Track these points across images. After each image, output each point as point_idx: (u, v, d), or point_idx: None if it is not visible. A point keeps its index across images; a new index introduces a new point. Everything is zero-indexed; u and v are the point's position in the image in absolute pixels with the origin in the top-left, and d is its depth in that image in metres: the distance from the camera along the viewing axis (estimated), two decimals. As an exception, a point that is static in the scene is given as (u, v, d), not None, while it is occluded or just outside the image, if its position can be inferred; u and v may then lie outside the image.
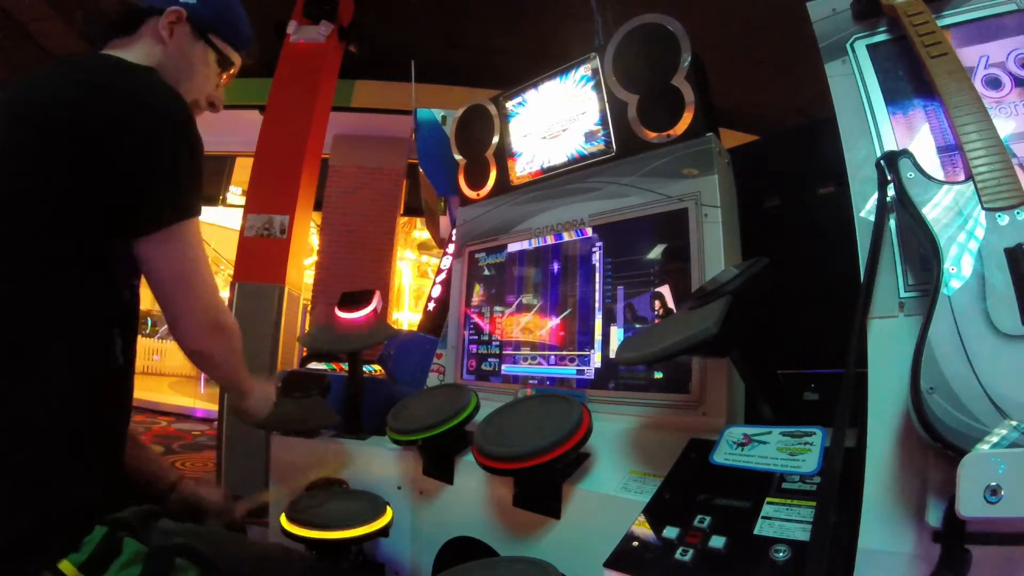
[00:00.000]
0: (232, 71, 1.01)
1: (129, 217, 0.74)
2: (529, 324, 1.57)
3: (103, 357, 0.77)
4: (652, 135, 1.38)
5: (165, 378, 8.13)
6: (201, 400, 6.43)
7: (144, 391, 6.88)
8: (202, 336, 0.83)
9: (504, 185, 1.74)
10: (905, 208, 0.73)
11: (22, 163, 0.71)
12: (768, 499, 0.79)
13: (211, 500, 1.01)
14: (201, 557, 0.75)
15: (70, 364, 0.72)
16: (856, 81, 0.88)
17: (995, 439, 0.55)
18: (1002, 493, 0.51)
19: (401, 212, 6.94)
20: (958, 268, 0.66)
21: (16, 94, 0.77)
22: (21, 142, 0.72)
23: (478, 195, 1.82)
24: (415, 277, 9.92)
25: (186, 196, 0.78)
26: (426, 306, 3.68)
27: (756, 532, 0.74)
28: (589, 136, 1.54)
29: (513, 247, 1.67)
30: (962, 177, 0.72)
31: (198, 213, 0.80)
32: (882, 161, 0.78)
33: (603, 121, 1.50)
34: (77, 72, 0.78)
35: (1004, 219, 0.66)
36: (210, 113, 1.00)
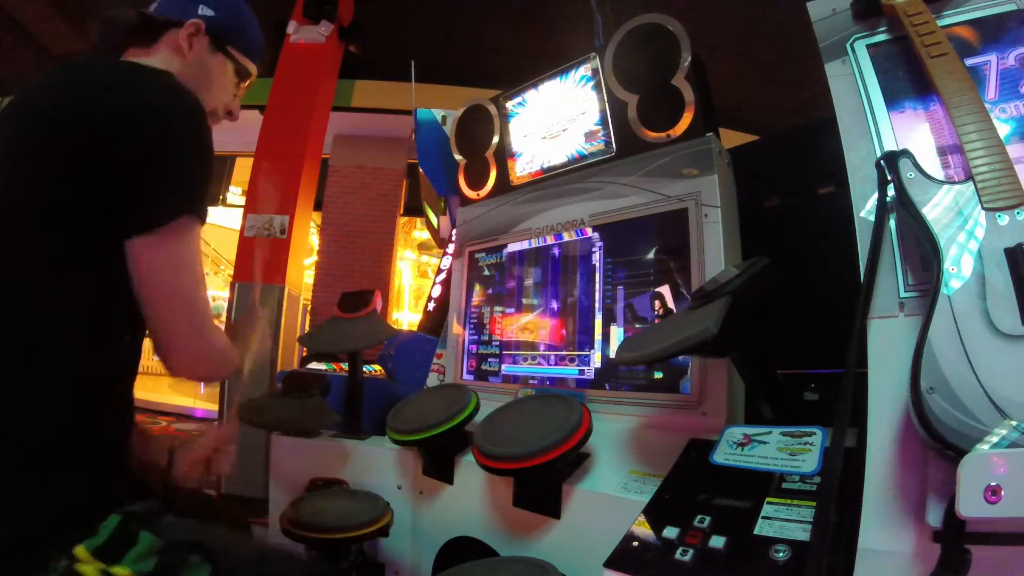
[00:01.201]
0: (249, 81, 1.02)
1: (134, 215, 0.72)
2: (529, 324, 1.57)
3: (115, 354, 0.77)
4: (652, 135, 1.38)
5: (165, 378, 8.12)
6: (201, 400, 6.42)
7: (144, 391, 6.86)
8: (192, 367, 0.80)
9: (504, 185, 1.74)
10: (905, 208, 0.73)
11: (34, 163, 0.71)
12: (768, 499, 0.79)
13: (210, 446, 0.99)
14: (214, 554, 0.75)
15: (82, 360, 0.73)
16: (856, 81, 0.88)
17: (995, 439, 0.55)
18: (1002, 493, 0.51)
19: (401, 212, 6.94)
20: (958, 268, 0.66)
21: (27, 95, 0.77)
22: (33, 142, 0.72)
23: (478, 195, 1.82)
24: (415, 277, 9.92)
25: (192, 196, 0.76)
26: (426, 306, 3.68)
27: (756, 532, 0.74)
28: (589, 136, 1.54)
29: (513, 247, 1.67)
30: (962, 177, 0.72)
31: (202, 217, 0.77)
32: (882, 161, 0.78)
33: (603, 121, 1.50)
34: (89, 72, 0.78)
35: (1004, 219, 0.66)
36: (228, 121, 1.01)
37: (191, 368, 0.80)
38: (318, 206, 5.54)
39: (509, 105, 1.74)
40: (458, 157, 1.88)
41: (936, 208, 0.70)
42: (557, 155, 1.61)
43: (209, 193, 0.79)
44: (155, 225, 0.72)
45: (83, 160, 0.70)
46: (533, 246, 1.62)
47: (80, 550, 0.66)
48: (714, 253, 1.19)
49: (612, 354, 1.35)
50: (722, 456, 0.90)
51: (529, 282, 1.61)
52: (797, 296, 1.09)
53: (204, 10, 0.92)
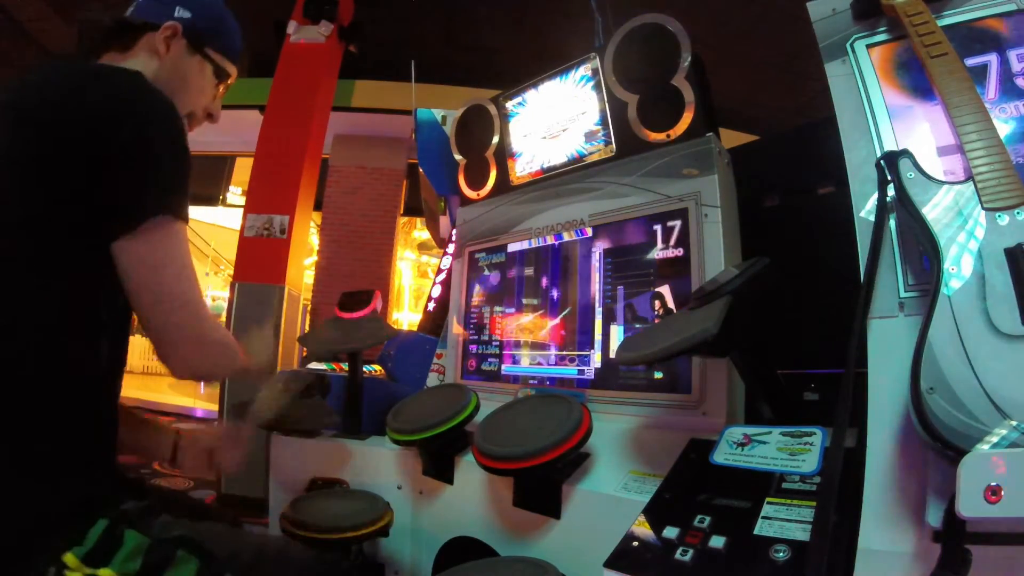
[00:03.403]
0: (228, 82, 1.02)
1: (111, 218, 0.72)
2: (529, 324, 1.57)
3: (96, 355, 0.77)
4: (652, 135, 1.38)
5: (165, 378, 8.13)
6: (201, 400, 6.42)
7: (144, 391, 6.88)
8: (191, 366, 0.78)
9: (504, 185, 1.74)
10: (905, 208, 0.73)
11: (11, 166, 0.71)
12: (768, 499, 0.79)
13: (212, 439, 0.99)
14: (202, 548, 0.75)
15: (62, 363, 0.72)
16: (856, 81, 0.88)
17: (995, 439, 0.55)
18: (1002, 493, 0.51)
19: (401, 212, 6.94)
20: (958, 268, 0.66)
21: (5, 97, 0.77)
22: (12, 145, 0.72)
23: (478, 195, 1.82)
24: (415, 277, 9.93)
25: (167, 196, 0.75)
26: (426, 306, 3.68)
27: (756, 532, 0.74)
28: (589, 136, 1.54)
29: (513, 247, 1.67)
30: (962, 177, 0.72)
31: (182, 216, 0.77)
32: (882, 161, 0.78)
33: (603, 121, 1.50)
34: (63, 76, 0.78)
35: (1004, 219, 0.66)
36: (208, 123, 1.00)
37: (189, 365, 0.78)
38: (318, 206, 5.54)
39: (509, 105, 1.74)
40: (458, 157, 1.88)
41: (936, 208, 0.70)
42: (557, 155, 1.61)
43: (187, 192, 0.78)
44: (133, 226, 0.72)
45: (58, 163, 0.70)
46: (533, 246, 1.62)
47: (69, 557, 0.66)
48: (714, 253, 1.19)
49: (612, 354, 1.35)
50: (722, 456, 0.90)
51: (529, 282, 1.61)
52: (797, 296, 1.09)
53: (181, 12, 0.92)
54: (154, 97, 0.77)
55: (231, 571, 0.76)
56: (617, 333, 1.36)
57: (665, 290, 1.28)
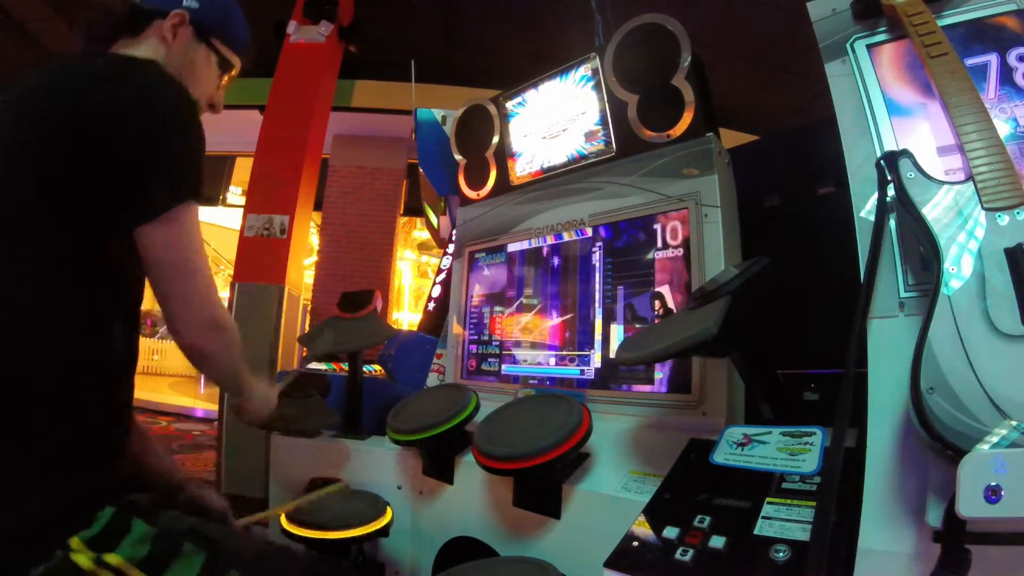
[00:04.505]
0: (232, 73, 1.03)
1: (131, 205, 0.75)
2: (529, 324, 1.57)
3: (107, 347, 0.78)
4: (652, 135, 1.38)
5: (165, 378, 8.14)
6: (201, 400, 6.43)
7: (144, 391, 6.87)
8: (201, 333, 0.82)
9: (504, 185, 1.74)
10: (905, 208, 0.73)
11: (29, 159, 0.72)
12: (768, 499, 0.79)
13: (215, 505, 1.01)
14: (208, 542, 0.76)
15: (75, 355, 0.73)
16: (856, 81, 0.88)
17: (995, 439, 0.55)
18: (1002, 493, 0.51)
19: (401, 212, 6.94)
20: (958, 268, 0.66)
21: (20, 93, 0.79)
22: (27, 139, 0.73)
23: (478, 195, 1.82)
24: (415, 277, 9.92)
25: (186, 181, 0.79)
26: (426, 306, 3.68)
27: (756, 532, 0.74)
28: (589, 136, 1.54)
29: (513, 247, 1.67)
30: (962, 177, 0.72)
31: (197, 198, 0.80)
32: (882, 161, 0.78)
33: (603, 121, 1.50)
34: (79, 68, 0.80)
35: (1004, 219, 0.66)
36: (210, 114, 1.01)
37: (203, 337, 0.82)
38: (318, 206, 5.54)
39: (509, 105, 1.74)
40: (458, 157, 1.88)
41: (936, 208, 0.70)
42: (557, 155, 1.61)
43: (202, 174, 0.82)
44: (159, 212, 0.75)
45: (78, 154, 0.71)
46: (533, 246, 1.62)
47: (75, 541, 0.67)
48: (714, 253, 1.19)
49: (612, 354, 1.35)
50: (722, 456, 0.90)
51: (529, 282, 1.61)
52: (797, 296, 1.09)
53: (189, 1, 0.94)
54: (171, 85, 0.79)
55: (236, 567, 0.77)
56: (617, 333, 1.36)
57: (665, 290, 1.28)
